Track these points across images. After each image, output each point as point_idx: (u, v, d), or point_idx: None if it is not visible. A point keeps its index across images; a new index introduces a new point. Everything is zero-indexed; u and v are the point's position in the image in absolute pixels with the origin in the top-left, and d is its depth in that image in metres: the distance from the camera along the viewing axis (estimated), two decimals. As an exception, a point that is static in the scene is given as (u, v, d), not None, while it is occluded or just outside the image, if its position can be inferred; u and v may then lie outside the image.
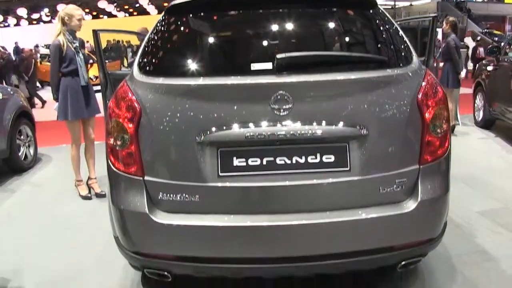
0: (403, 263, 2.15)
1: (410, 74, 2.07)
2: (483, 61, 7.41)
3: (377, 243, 2.03)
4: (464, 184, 4.35)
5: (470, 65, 14.26)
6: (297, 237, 1.99)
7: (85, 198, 4.41)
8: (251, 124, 1.93)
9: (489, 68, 6.71)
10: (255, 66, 2.04)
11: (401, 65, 2.11)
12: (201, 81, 2.01)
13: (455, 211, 3.62)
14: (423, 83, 2.05)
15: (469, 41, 15.95)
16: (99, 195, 4.41)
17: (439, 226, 2.18)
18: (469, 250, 3.08)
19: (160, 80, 2.04)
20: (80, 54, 4.22)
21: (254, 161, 1.96)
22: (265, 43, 2.31)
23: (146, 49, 2.24)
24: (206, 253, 2.04)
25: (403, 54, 2.17)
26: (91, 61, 5.04)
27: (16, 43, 16.48)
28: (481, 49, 15.00)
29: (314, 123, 1.93)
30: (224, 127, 1.94)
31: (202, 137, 1.94)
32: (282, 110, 1.92)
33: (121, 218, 2.10)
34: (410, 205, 2.02)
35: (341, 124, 1.95)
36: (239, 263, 2.04)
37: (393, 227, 2.03)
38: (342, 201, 2.01)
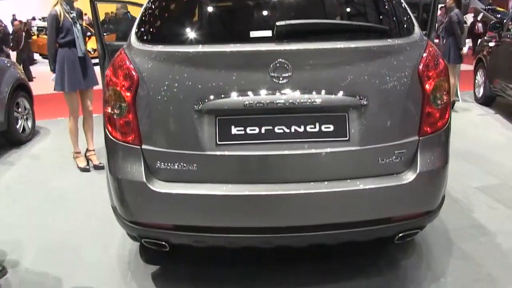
0: (400, 235, 2.15)
1: (412, 44, 2.03)
2: (485, 37, 7.30)
3: (375, 214, 2.03)
4: (463, 160, 4.33)
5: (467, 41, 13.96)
6: (295, 207, 1.98)
7: (83, 170, 4.40)
8: (249, 92, 1.90)
9: (491, 44, 6.61)
10: (254, 34, 2.00)
11: (402, 35, 2.07)
12: (199, 48, 1.97)
13: (453, 186, 3.61)
14: (424, 54, 2.01)
15: (469, 17, 15.66)
16: (98, 167, 4.39)
17: (438, 199, 2.16)
18: (466, 225, 3.08)
19: (158, 48, 1.99)
20: (78, 25, 4.14)
21: (252, 130, 1.93)
22: (264, 11, 2.24)
23: (144, 18, 2.18)
24: (203, 222, 2.03)
25: (404, 25, 2.13)
26: (88, 33, 4.96)
27: (13, 15, 16.15)
28: (479, 25, 14.72)
29: (314, 92, 1.90)
30: (223, 95, 1.90)
31: (200, 105, 1.91)
32: (281, 78, 1.88)
33: (119, 188, 2.08)
34: (408, 177, 1.99)
35: (340, 93, 1.92)
36: (236, 232, 2.03)
37: (391, 198, 2.01)
38: (340, 171, 1.98)
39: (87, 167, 4.44)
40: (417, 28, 2.12)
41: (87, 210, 3.47)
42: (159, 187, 1.98)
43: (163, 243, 2.16)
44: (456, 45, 6.26)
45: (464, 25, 6.66)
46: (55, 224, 3.26)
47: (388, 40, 2.03)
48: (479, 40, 7.56)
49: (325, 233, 2.04)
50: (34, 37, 15.67)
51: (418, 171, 1.99)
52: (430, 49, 2.05)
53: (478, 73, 7.13)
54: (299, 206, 1.97)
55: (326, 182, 1.97)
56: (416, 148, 2.01)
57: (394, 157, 1.98)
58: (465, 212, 3.28)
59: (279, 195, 1.94)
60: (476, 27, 14.80)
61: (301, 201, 1.96)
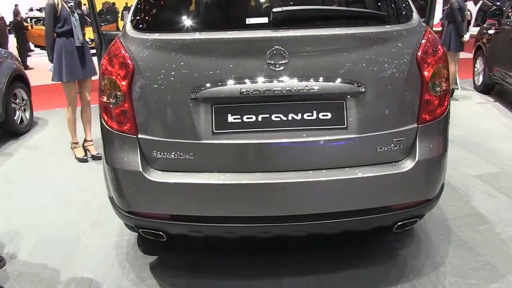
0: (399, 224, 2.13)
1: (410, 31, 1.99)
2: (485, 25, 7.18)
3: (374, 203, 1.99)
4: (461, 148, 4.30)
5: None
6: (293, 196, 1.94)
7: (81, 160, 4.36)
8: (246, 80, 1.86)
9: (490, 31, 6.48)
10: (250, 21, 1.96)
11: (400, 21, 2.03)
12: (195, 35, 1.94)
13: (452, 175, 3.59)
14: (423, 41, 1.96)
15: (471, 6, 15.47)
16: (95, 157, 4.36)
17: (437, 187, 2.13)
18: (465, 213, 3.05)
19: (154, 36, 1.95)
20: (75, 14, 4.05)
21: (249, 118, 1.89)
22: None
23: (139, 6, 2.14)
24: (200, 212, 2.00)
25: (403, 11, 2.08)
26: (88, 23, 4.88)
27: (16, 6, 15.83)
28: (467, 13, 14.56)
29: (311, 79, 1.86)
30: (219, 83, 1.86)
31: (197, 93, 1.87)
32: (278, 66, 1.85)
33: (115, 178, 2.04)
34: (407, 165, 1.96)
35: (338, 80, 1.88)
36: (233, 222, 2.00)
37: (390, 187, 1.98)
38: (338, 159, 1.95)
39: (85, 157, 4.40)
40: (415, 15, 2.08)
41: (85, 200, 3.44)
42: (156, 176, 1.95)
43: (161, 233, 2.14)
44: (456, 32, 6.14)
45: (468, 12, 6.54)
46: (53, 215, 3.24)
47: (386, 26, 1.98)
48: (470, 27, 7.37)
49: (323, 222, 2.01)
50: (30, 28, 15.50)
51: (417, 159, 1.96)
52: (429, 35, 2.01)
53: (477, 61, 7.03)
54: (297, 195, 1.94)
55: (324, 171, 1.93)
56: (415, 136, 1.97)
57: (392, 145, 1.95)
58: (464, 200, 3.25)
59: (276, 183, 1.90)
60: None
61: (299, 189, 1.92)
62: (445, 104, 2.01)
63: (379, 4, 2.20)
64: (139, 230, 2.25)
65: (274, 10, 1.86)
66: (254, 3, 2.17)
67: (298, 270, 2.46)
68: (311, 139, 1.90)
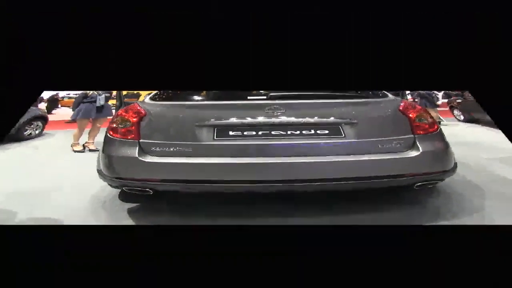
0: (418, 184, 1.80)
1: (388, 101, 1.98)
2: (451, 98, 7.51)
3: (386, 172, 1.71)
4: (463, 147, 3.69)
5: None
6: (301, 170, 1.67)
7: (78, 152, 3.78)
8: (247, 118, 1.78)
9: (458, 100, 7.04)
10: (251, 97, 1.93)
11: (379, 97, 2.02)
12: (203, 102, 1.95)
13: (464, 155, 2.98)
14: (402, 103, 1.95)
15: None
16: (93, 150, 3.80)
17: (449, 162, 1.84)
18: (489, 179, 2.39)
19: (168, 102, 1.96)
20: (102, 95, 4.00)
21: (249, 132, 1.75)
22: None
23: (158, 92, 2.14)
24: (195, 177, 1.68)
25: (379, 93, 2.08)
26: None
27: (57, 93, 16.56)
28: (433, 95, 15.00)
29: (307, 117, 1.79)
30: (222, 119, 1.78)
31: (201, 123, 1.76)
32: (275, 112, 1.80)
33: (110, 161, 1.75)
34: (413, 153, 1.76)
35: (331, 118, 1.81)
36: (237, 183, 1.68)
37: (401, 165, 1.72)
38: (341, 153, 1.72)
39: (83, 150, 3.83)
40: (390, 94, 2.09)
41: (71, 173, 2.78)
42: (151, 159, 1.70)
43: (147, 189, 1.75)
44: (430, 101, 6.13)
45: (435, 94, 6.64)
46: (32, 181, 2.55)
47: (367, 99, 1.98)
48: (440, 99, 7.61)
49: (333, 183, 1.70)
50: (61, 101, 16.33)
51: (421, 150, 1.75)
52: (406, 102, 2.00)
53: (454, 111, 7.05)
54: (303, 169, 1.67)
55: (329, 156, 1.70)
56: (414, 140, 1.81)
57: (394, 143, 1.78)
58: (484, 173, 2.60)
59: (284, 162, 1.67)
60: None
61: (304, 167, 1.67)
62: (435, 126, 1.91)
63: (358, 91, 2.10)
64: (123, 188, 1.79)
65: (271, 94, 1.86)
66: (254, 91, 2.06)
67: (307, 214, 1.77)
68: (311, 141, 1.74)
